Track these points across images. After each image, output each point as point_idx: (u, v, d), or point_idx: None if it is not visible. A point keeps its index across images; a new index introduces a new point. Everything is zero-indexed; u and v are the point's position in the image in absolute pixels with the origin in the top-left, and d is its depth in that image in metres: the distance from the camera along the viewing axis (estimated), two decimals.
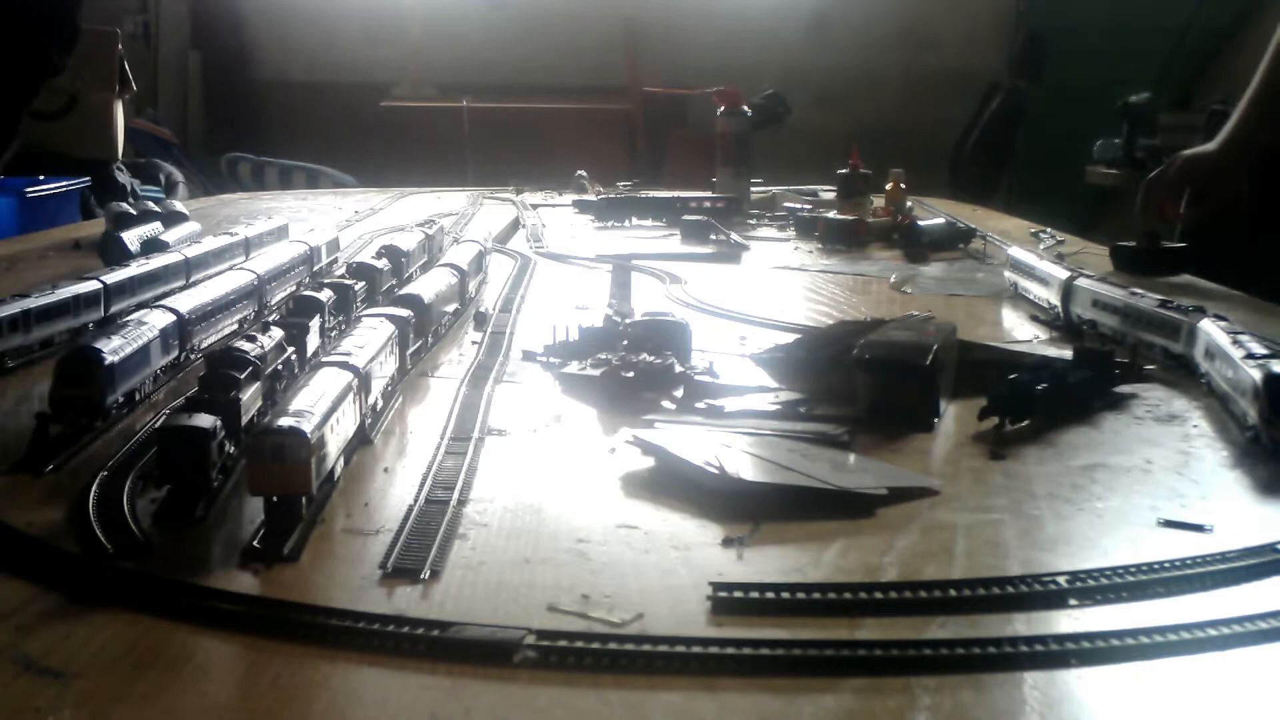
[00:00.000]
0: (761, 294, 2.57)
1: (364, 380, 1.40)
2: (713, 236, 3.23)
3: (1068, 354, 1.76)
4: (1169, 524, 1.23)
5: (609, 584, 1.07)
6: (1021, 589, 1.05)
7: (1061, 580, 1.07)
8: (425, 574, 1.08)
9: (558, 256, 3.02)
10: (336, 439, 1.26)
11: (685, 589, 1.06)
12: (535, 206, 3.98)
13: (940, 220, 3.30)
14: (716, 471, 1.30)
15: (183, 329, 1.76)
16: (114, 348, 1.50)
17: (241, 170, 7.12)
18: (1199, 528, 1.21)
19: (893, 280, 2.69)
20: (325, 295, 1.87)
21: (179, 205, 3.29)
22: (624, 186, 4.30)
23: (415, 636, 0.95)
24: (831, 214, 3.40)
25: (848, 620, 1.00)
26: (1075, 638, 0.96)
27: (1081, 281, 2.13)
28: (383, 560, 1.10)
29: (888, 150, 3.99)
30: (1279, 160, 3.02)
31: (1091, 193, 6.05)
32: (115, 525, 1.17)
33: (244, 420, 1.35)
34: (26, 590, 1.05)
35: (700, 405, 1.61)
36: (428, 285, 2.00)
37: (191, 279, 2.28)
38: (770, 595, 1.03)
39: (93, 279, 1.98)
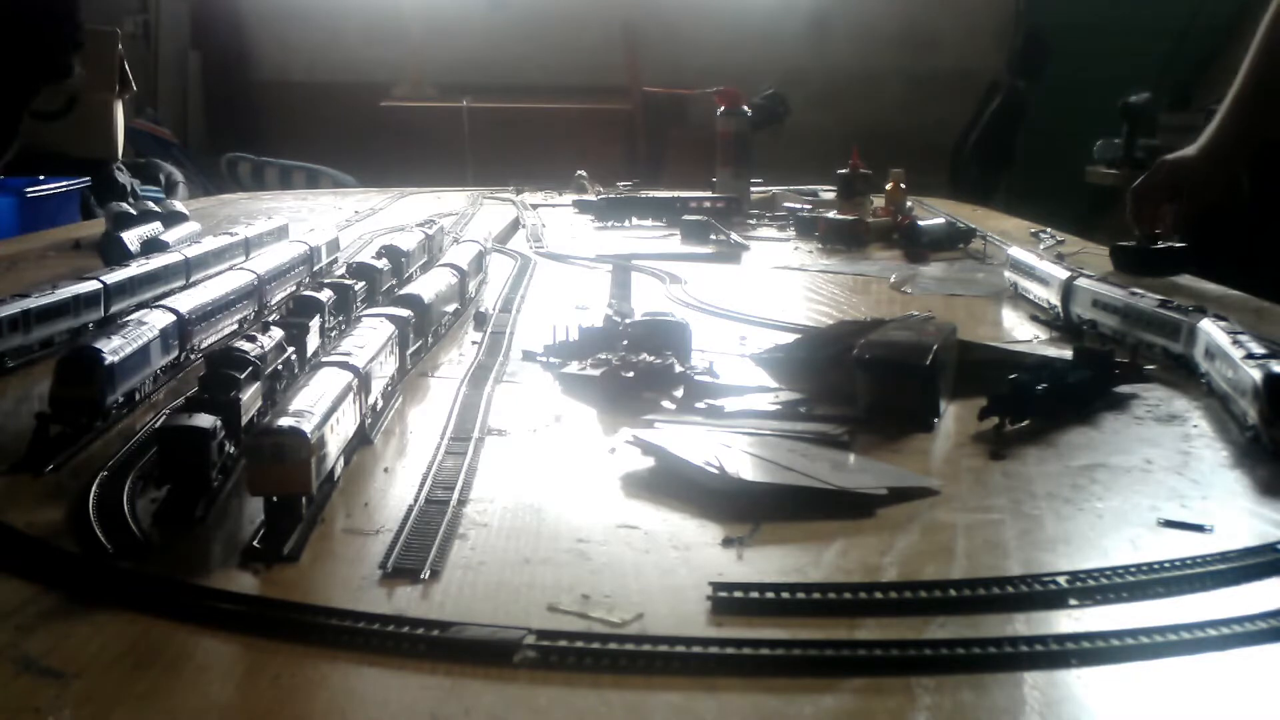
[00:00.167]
0: (761, 294, 2.57)
1: (364, 380, 1.40)
2: (713, 236, 3.23)
3: (1068, 354, 1.76)
4: (1169, 524, 1.23)
5: (609, 584, 1.07)
6: (1021, 589, 1.05)
7: (1061, 580, 1.07)
8: (425, 574, 1.08)
9: (558, 256, 3.02)
10: (336, 439, 1.26)
11: (685, 589, 1.06)
12: (535, 206, 3.98)
13: (940, 220, 3.30)
14: (716, 471, 1.30)
15: (183, 329, 1.76)
16: (114, 348, 1.50)
17: (241, 170, 7.11)
18: (1199, 528, 1.21)
19: (893, 280, 2.69)
20: (325, 295, 1.87)
21: (179, 205, 3.28)
22: (624, 186, 4.30)
23: (415, 636, 0.95)
24: (831, 214, 3.40)
25: (848, 620, 1.00)
26: (1075, 638, 0.96)
27: (1081, 281, 2.13)
28: (383, 560, 1.10)
29: (888, 150, 3.98)
30: (1278, 160, 3.03)
31: (1091, 193, 6.05)
32: (115, 525, 1.17)
33: (244, 420, 1.35)
34: (26, 590, 1.05)
35: (700, 405, 1.61)
36: (428, 285, 2.00)
37: (191, 279, 2.28)
38: (770, 595, 1.03)
39: (93, 279, 1.98)
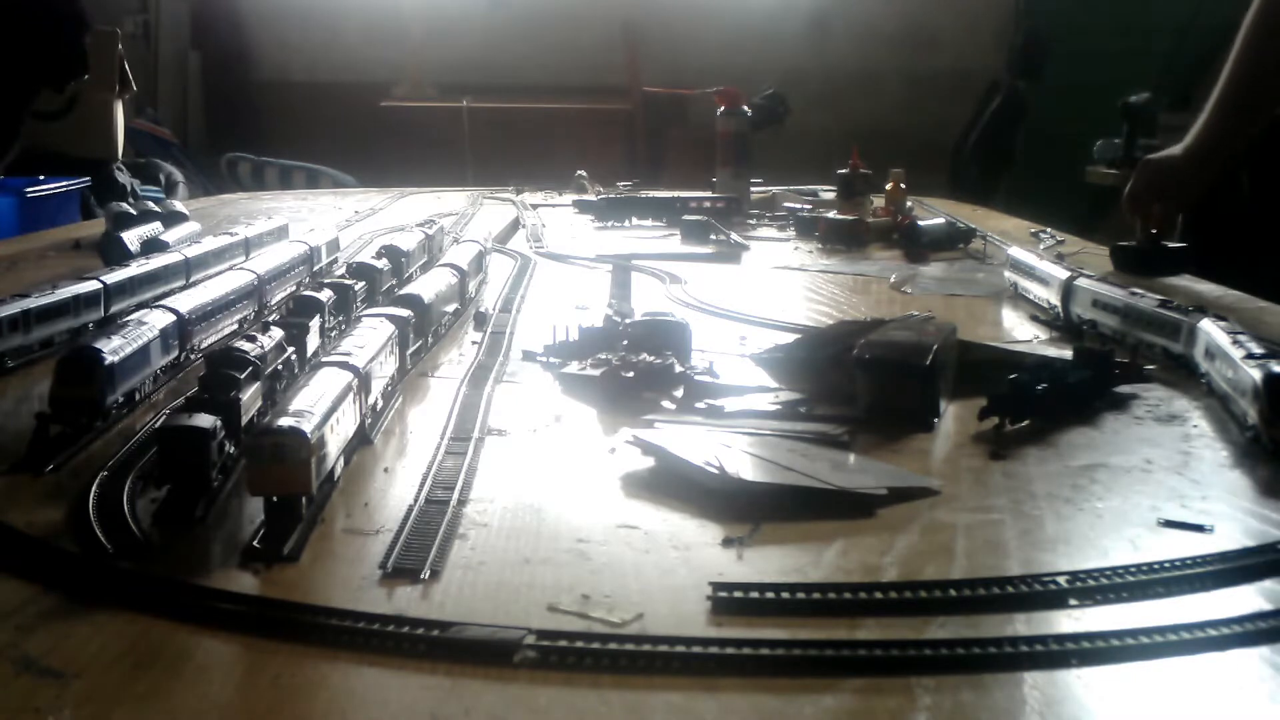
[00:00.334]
0: (761, 294, 2.57)
1: (364, 380, 1.40)
2: (713, 236, 3.23)
3: (1068, 354, 1.76)
4: (1169, 524, 1.23)
5: (609, 584, 1.07)
6: (1021, 589, 1.05)
7: (1061, 580, 1.07)
8: (425, 574, 1.08)
9: (558, 256, 3.02)
10: (336, 439, 1.26)
11: (685, 589, 1.06)
12: (535, 206, 3.98)
13: (940, 220, 3.30)
14: (716, 471, 1.30)
15: (183, 329, 1.76)
16: (114, 348, 1.50)
17: (241, 170, 7.11)
18: (1199, 528, 1.21)
19: (893, 280, 2.69)
20: (325, 295, 1.87)
21: (179, 205, 3.28)
22: (624, 186, 4.30)
23: (415, 636, 0.95)
24: (831, 214, 3.40)
25: (848, 620, 1.00)
26: (1075, 638, 0.96)
27: (1081, 281, 2.13)
28: (383, 560, 1.10)
29: (888, 150, 3.98)
30: (1278, 160, 3.03)
31: (1091, 193, 6.04)
32: (115, 525, 1.17)
33: (244, 420, 1.35)
34: (26, 590, 1.05)
35: (700, 405, 1.61)
36: (428, 285, 2.00)
37: (191, 279, 2.28)
38: (770, 595, 1.03)
39: (93, 279, 1.98)
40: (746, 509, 1.23)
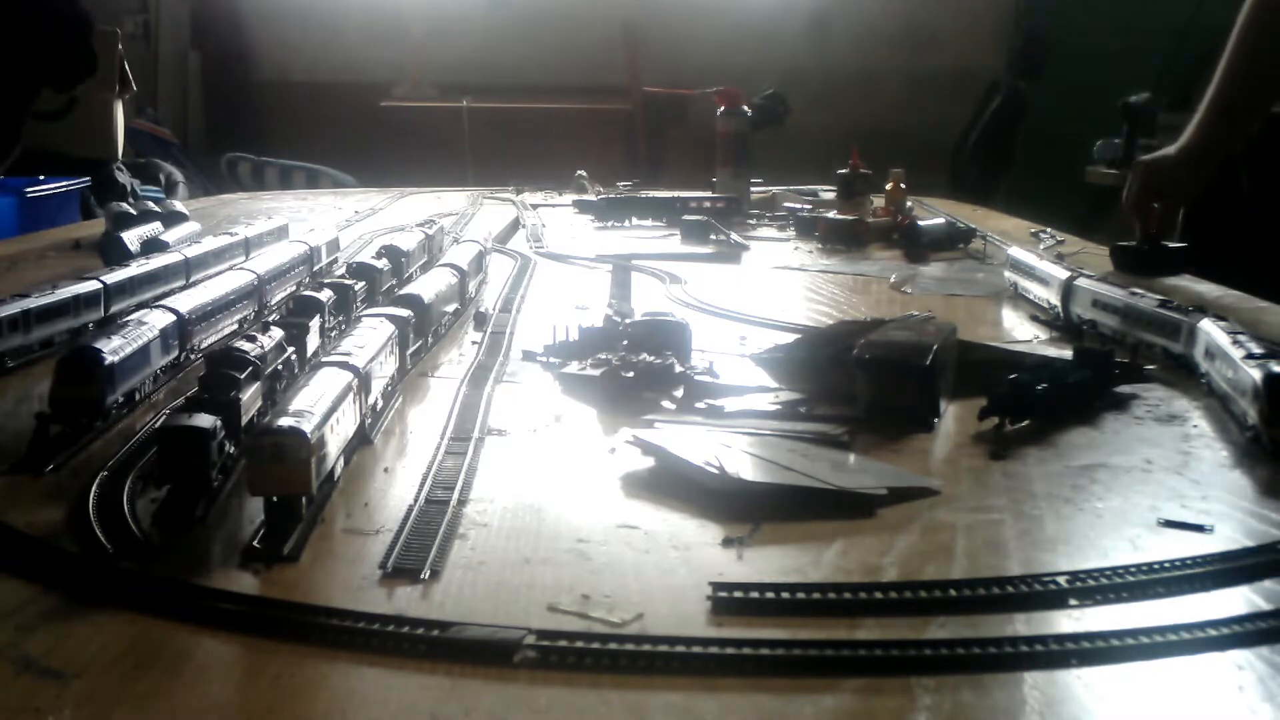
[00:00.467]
0: (761, 294, 2.57)
1: (364, 380, 1.40)
2: (713, 236, 3.23)
3: (1068, 354, 1.76)
4: (1169, 524, 1.23)
5: (609, 584, 1.07)
6: (1021, 589, 1.05)
7: (1061, 580, 1.07)
8: (425, 574, 1.08)
9: (558, 256, 3.02)
10: (336, 439, 1.26)
11: (685, 589, 1.06)
12: (535, 206, 3.98)
13: (940, 220, 3.30)
14: (716, 471, 1.30)
15: (183, 329, 1.76)
16: (114, 348, 1.50)
17: (241, 170, 7.11)
18: (1199, 528, 1.21)
19: (893, 280, 2.69)
20: (325, 295, 1.87)
21: (179, 205, 3.29)
22: (624, 186, 4.30)
23: (415, 636, 0.95)
24: (831, 214, 3.40)
25: (848, 620, 1.00)
26: (1075, 638, 0.96)
27: (1081, 281, 2.13)
28: (383, 560, 1.10)
29: (888, 150, 3.98)
30: (1278, 160, 3.03)
31: (1091, 193, 6.04)
32: (115, 525, 1.17)
33: (244, 420, 1.35)
34: (26, 590, 1.05)
35: (700, 405, 1.61)
36: (428, 285, 2.00)
37: (191, 279, 2.28)
38: (770, 595, 1.03)
39: (93, 279, 1.97)
40: (746, 509, 1.23)
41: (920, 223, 3.19)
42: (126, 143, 5.77)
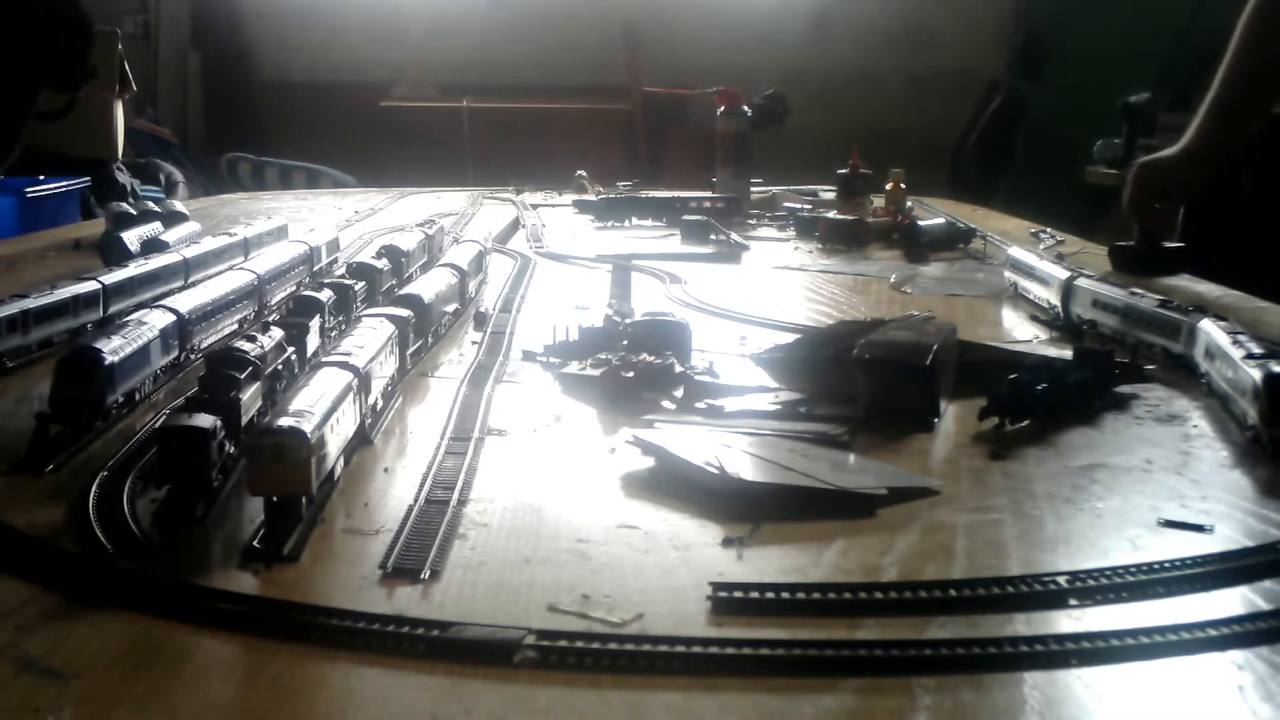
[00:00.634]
0: (761, 294, 2.57)
1: (364, 380, 1.40)
2: (713, 236, 3.23)
3: (1068, 354, 1.76)
4: (1169, 524, 1.23)
5: (609, 584, 1.07)
6: (1021, 589, 1.05)
7: (1061, 580, 1.07)
8: (425, 574, 1.08)
9: (558, 256, 3.02)
10: (336, 439, 1.26)
11: (685, 589, 1.06)
12: (535, 206, 3.98)
13: (940, 220, 3.30)
14: (716, 471, 1.30)
15: (183, 329, 1.76)
16: (114, 348, 1.50)
17: (241, 170, 7.12)
18: (1199, 528, 1.21)
19: (893, 280, 2.69)
20: (325, 295, 1.87)
21: (179, 205, 3.28)
22: (624, 186, 4.30)
23: (415, 636, 0.95)
24: (831, 214, 3.40)
25: (848, 620, 1.00)
26: (1075, 638, 0.96)
27: (1081, 281, 2.13)
28: (383, 560, 1.10)
29: (888, 150, 3.98)
30: (1278, 160, 3.03)
31: (1091, 193, 6.04)
32: (115, 525, 1.17)
33: (244, 420, 1.35)
34: (26, 590, 1.05)
35: (700, 405, 1.61)
36: (428, 285, 2.00)
37: (190, 280, 2.28)
38: (770, 595, 1.03)
39: (91, 279, 1.97)
40: (746, 509, 1.23)
41: (920, 223, 3.19)
42: (126, 143, 5.77)
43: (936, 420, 1.57)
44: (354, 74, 7.71)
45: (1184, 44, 6.74)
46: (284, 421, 1.15)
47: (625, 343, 1.84)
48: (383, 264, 2.22)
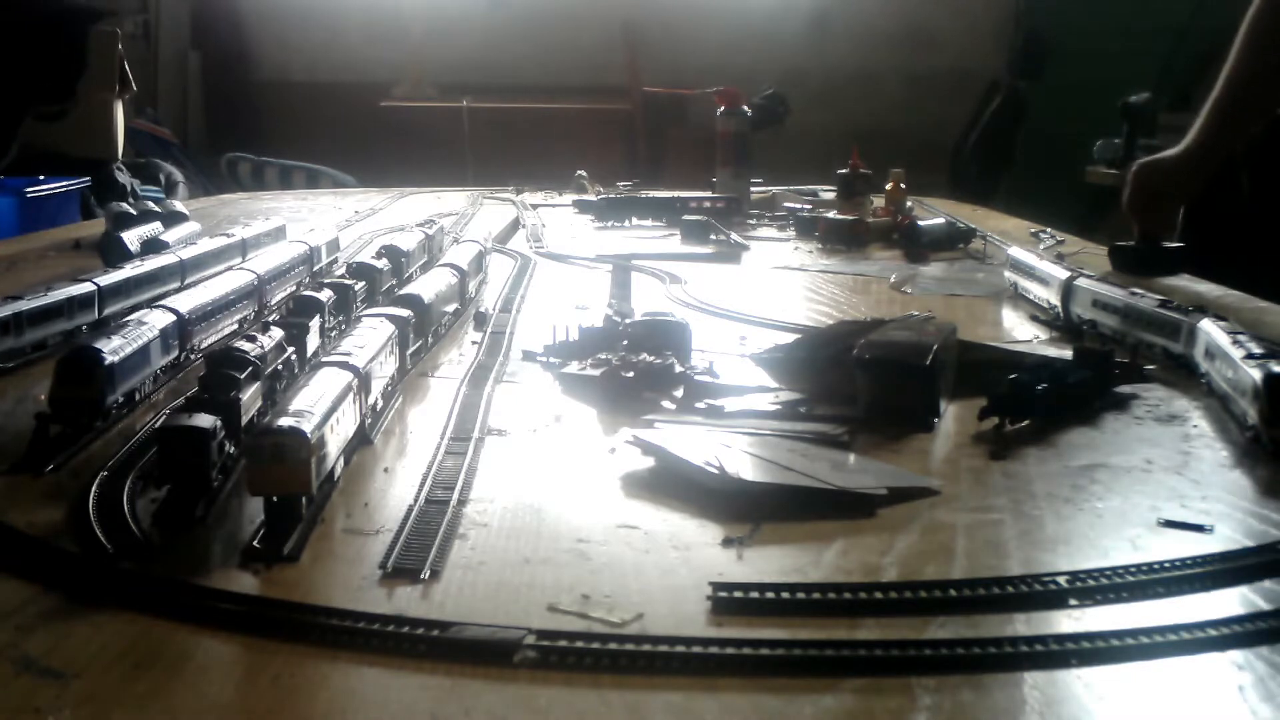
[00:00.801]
0: (761, 294, 2.57)
1: (364, 380, 1.40)
2: (713, 236, 3.23)
3: (1068, 354, 1.76)
4: (1169, 524, 1.23)
5: (609, 584, 1.07)
6: (1021, 589, 1.05)
7: (1061, 580, 1.07)
8: (425, 574, 1.08)
9: (558, 256, 3.02)
10: (336, 439, 1.26)
11: (685, 589, 1.06)
12: (535, 206, 3.98)
13: (940, 220, 3.30)
14: (716, 471, 1.30)
15: (183, 329, 1.76)
16: (114, 348, 1.50)
17: (241, 170, 7.12)
18: (1199, 528, 1.21)
19: (893, 280, 2.69)
20: (325, 295, 1.87)
21: (179, 205, 3.28)
22: (624, 186, 4.30)
23: (415, 636, 0.95)
24: (831, 214, 3.40)
25: (848, 620, 1.00)
26: (1075, 638, 0.96)
27: (1081, 281, 2.13)
28: (383, 560, 1.10)
29: (888, 150, 3.98)
30: (1278, 160, 3.03)
31: (1091, 193, 6.04)
32: (115, 525, 1.17)
33: (244, 420, 1.35)
34: (26, 590, 1.05)
35: (700, 405, 1.61)
36: (428, 285, 2.00)
37: (186, 281, 2.27)
38: (770, 595, 1.03)
39: (86, 281, 1.95)
40: (746, 509, 1.23)
41: (920, 223, 3.19)
42: (126, 143, 5.77)
43: (936, 420, 1.57)
44: (354, 74, 7.71)
45: (1184, 44, 6.74)
46: (284, 421, 1.15)
47: (625, 343, 1.84)
48: (383, 264, 2.22)
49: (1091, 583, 1.06)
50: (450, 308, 2.11)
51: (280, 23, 8.01)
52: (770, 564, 1.13)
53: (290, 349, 1.60)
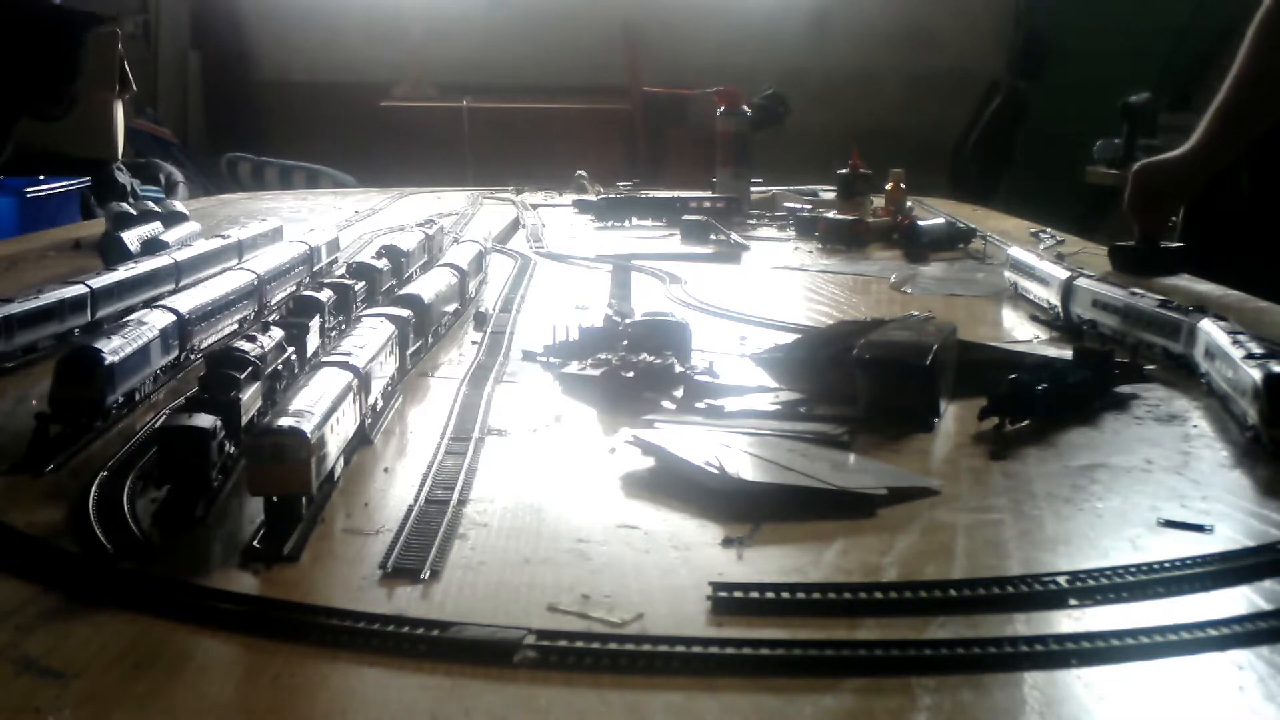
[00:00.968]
0: (761, 294, 2.57)
1: (364, 380, 1.40)
2: (713, 236, 3.23)
3: (1068, 354, 1.76)
4: (1169, 524, 1.23)
5: (609, 584, 1.07)
6: (1021, 589, 1.05)
7: (1061, 580, 1.07)
8: (425, 574, 1.08)
9: (558, 256, 3.02)
10: (336, 439, 1.26)
11: (685, 589, 1.06)
12: (535, 206, 3.98)
13: (940, 220, 3.30)
14: (716, 471, 1.30)
15: (183, 329, 1.76)
16: (114, 348, 1.50)
17: (241, 170, 7.12)
18: (1199, 528, 1.21)
19: (893, 280, 2.69)
20: (325, 295, 1.87)
21: (179, 205, 3.28)
22: (624, 186, 4.30)
23: (415, 636, 0.96)
24: (831, 214, 3.40)
25: (848, 620, 1.00)
26: (1075, 638, 0.96)
27: (1081, 281, 2.13)
28: (383, 560, 1.10)
29: (888, 150, 3.98)
30: (1278, 160, 3.03)
31: (1091, 193, 6.05)
32: (115, 525, 1.17)
33: (244, 420, 1.35)
34: (26, 590, 1.05)
35: (700, 405, 1.61)
36: (428, 285, 2.00)
37: (181, 283, 2.25)
38: (770, 595, 1.03)
39: (78, 283, 1.93)
40: (746, 509, 1.23)
41: (920, 223, 3.19)
42: (126, 143, 5.77)
43: (936, 420, 1.57)
44: (354, 74, 7.71)
45: (1184, 44, 6.75)
46: (284, 421, 1.15)
47: (625, 343, 1.84)
48: (383, 264, 2.22)
49: (1091, 583, 1.06)
50: (450, 308, 2.11)
51: (280, 23, 8.01)
52: (770, 564, 1.13)
53: (290, 349, 1.60)
